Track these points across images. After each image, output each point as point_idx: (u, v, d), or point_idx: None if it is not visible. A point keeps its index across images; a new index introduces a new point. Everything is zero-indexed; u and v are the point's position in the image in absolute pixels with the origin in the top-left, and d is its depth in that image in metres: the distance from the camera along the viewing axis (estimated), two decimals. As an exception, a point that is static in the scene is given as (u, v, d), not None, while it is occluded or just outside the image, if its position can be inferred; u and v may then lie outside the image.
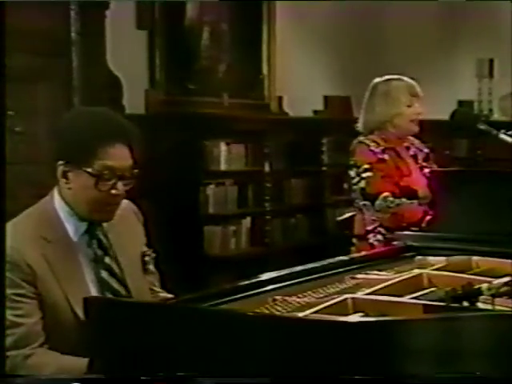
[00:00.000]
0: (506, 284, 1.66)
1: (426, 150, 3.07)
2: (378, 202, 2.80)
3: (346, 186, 5.45)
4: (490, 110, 6.31)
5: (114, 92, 4.36)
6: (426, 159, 3.04)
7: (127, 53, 4.53)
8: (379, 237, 2.86)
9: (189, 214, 4.69)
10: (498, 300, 1.59)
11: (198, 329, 1.32)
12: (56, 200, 1.83)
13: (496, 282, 1.70)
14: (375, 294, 1.67)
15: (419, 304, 1.57)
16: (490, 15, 6.11)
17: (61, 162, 1.78)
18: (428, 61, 5.93)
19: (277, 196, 5.26)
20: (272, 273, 1.79)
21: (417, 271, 1.91)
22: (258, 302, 1.63)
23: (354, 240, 2.99)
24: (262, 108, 5.48)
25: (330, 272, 1.89)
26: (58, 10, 4.17)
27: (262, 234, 5.14)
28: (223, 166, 4.94)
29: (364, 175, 2.86)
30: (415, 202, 2.77)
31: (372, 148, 2.90)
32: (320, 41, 5.85)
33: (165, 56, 4.85)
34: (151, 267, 1.97)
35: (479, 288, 1.62)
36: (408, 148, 3.03)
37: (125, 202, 1.89)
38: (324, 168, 5.58)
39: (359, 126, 3.02)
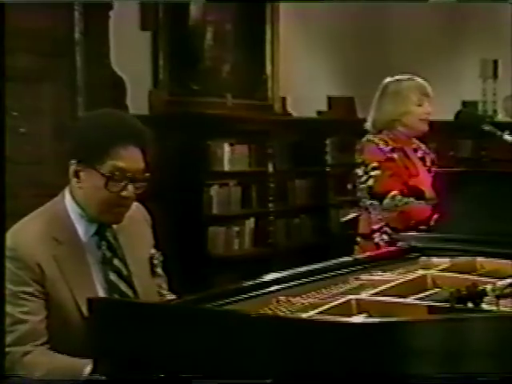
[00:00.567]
0: (510, 285, 1.66)
1: (432, 155, 3.07)
2: (386, 201, 2.79)
3: (349, 186, 5.45)
4: (495, 111, 6.30)
5: (118, 92, 4.37)
6: (432, 163, 3.03)
7: (131, 53, 4.53)
8: (384, 236, 2.85)
9: (192, 214, 4.69)
10: (502, 301, 1.58)
11: (201, 330, 1.32)
12: (67, 201, 1.83)
13: (500, 283, 1.70)
14: (379, 295, 1.66)
15: (423, 305, 1.56)
16: (493, 16, 6.10)
17: (73, 161, 1.79)
18: (432, 61, 5.93)
19: (280, 196, 5.25)
20: (276, 273, 1.79)
21: (421, 272, 1.90)
22: (261, 302, 1.62)
23: (359, 239, 2.98)
24: (265, 108, 5.48)
25: (333, 273, 1.88)
26: (62, 11, 4.18)
27: (265, 234, 5.14)
28: (227, 167, 4.94)
29: (372, 173, 2.84)
30: (423, 202, 2.77)
31: (381, 147, 2.89)
32: (323, 41, 5.85)
33: (168, 56, 4.85)
34: (159, 270, 1.97)
35: (484, 289, 1.62)
36: (416, 150, 3.02)
37: (134, 204, 1.89)
38: (328, 168, 5.58)
39: (368, 125, 3.01)
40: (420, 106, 2.92)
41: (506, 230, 2.04)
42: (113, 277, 1.83)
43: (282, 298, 1.65)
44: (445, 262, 2.03)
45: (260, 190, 5.14)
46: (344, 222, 4.02)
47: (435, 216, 2.31)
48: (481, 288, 1.61)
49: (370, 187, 2.85)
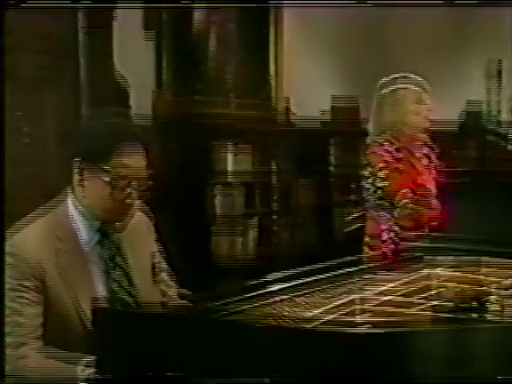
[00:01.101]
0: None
1: (437, 150, 3.06)
2: (398, 198, 2.78)
3: (353, 186, 5.44)
4: (499, 111, 6.29)
5: (122, 93, 4.37)
6: (437, 158, 3.03)
7: (135, 54, 4.53)
8: (392, 235, 2.85)
9: (196, 214, 4.69)
10: (506, 301, 1.58)
11: (205, 338, 1.32)
12: (70, 208, 1.84)
13: (505, 282, 1.69)
14: (383, 295, 1.66)
15: (427, 305, 1.56)
16: (498, 16, 6.09)
17: (77, 159, 1.80)
18: (436, 61, 5.91)
19: (284, 196, 5.25)
20: (279, 273, 1.78)
21: (425, 271, 1.90)
22: (265, 301, 1.62)
23: (367, 239, 2.98)
24: (269, 108, 5.48)
25: (337, 272, 1.88)
26: (66, 11, 4.18)
27: (268, 234, 5.14)
28: (230, 167, 4.93)
29: (380, 174, 2.84)
30: (431, 199, 2.77)
31: (386, 147, 2.89)
32: (327, 42, 5.84)
33: (172, 57, 4.85)
34: (164, 277, 1.98)
35: (488, 289, 1.61)
36: (420, 148, 3.01)
37: (137, 214, 1.92)
38: (331, 168, 5.57)
39: (369, 126, 3.01)
40: (418, 114, 2.92)
41: (510, 230, 2.03)
42: (114, 285, 1.84)
43: (285, 297, 1.65)
44: (449, 261, 2.02)
45: (263, 189, 5.14)
46: (348, 222, 4.02)
47: (446, 213, 2.31)
48: (485, 288, 1.61)
49: (379, 187, 2.84)
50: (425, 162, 2.98)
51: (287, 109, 5.62)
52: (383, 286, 1.73)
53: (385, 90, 2.99)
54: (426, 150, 3.03)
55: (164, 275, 1.99)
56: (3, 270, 1.66)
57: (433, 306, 1.54)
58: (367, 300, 1.60)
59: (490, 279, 1.75)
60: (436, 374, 1.26)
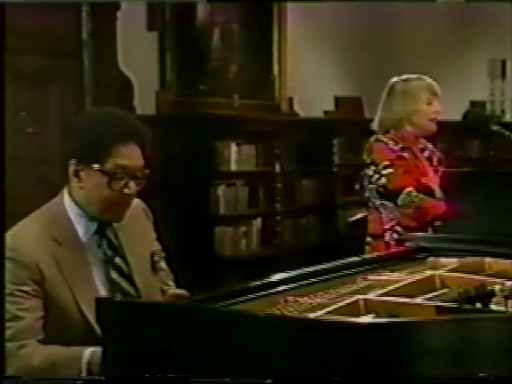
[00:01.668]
0: (519, 285, 1.65)
1: (438, 154, 3.05)
2: (402, 197, 2.77)
3: (357, 186, 5.44)
4: (503, 111, 6.28)
5: (125, 93, 4.38)
6: (439, 162, 3.02)
7: (138, 54, 4.54)
8: (395, 235, 2.84)
9: (200, 214, 4.69)
10: (510, 301, 1.58)
11: (209, 329, 1.32)
12: (66, 201, 1.83)
13: (509, 283, 1.69)
14: (387, 295, 1.66)
15: (431, 305, 1.56)
16: (502, 16, 6.08)
17: (73, 161, 1.78)
18: (440, 61, 5.91)
19: (287, 197, 5.25)
20: (283, 273, 1.78)
21: (429, 272, 1.90)
22: (269, 302, 1.62)
23: (370, 239, 2.97)
24: (272, 109, 5.48)
25: (341, 273, 1.88)
26: (70, 11, 4.19)
27: (272, 234, 5.14)
28: (234, 167, 4.93)
29: (384, 172, 2.82)
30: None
31: (390, 146, 2.88)
32: (331, 41, 5.84)
33: (175, 57, 4.85)
34: (162, 265, 1.97)
35: (492, 289, 1.61)
36: (422, 150, 3.01)
37: (135, 200, 1.89)
38: (335, 168, 5.57)
39: (374, 124, 2.99)
40: (429, 104, 2.90)
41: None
42: (115, 275, 1.82)
43: (289, 298, 1.65)
44: (453, 262, 2.02)
45: (267, 190, 5.14)
46: (351, 222, 4.01)
47: (450, 212, 2.30)
48: (489, 288, 1.61)
49: (382, 186, 2.83)
50: (427, 163, 2.98)
51: (291, 109, 5.62)
52: (387, 286, 1.73)
53: (396, 79, 2.97)
54: (427, 153, 3.02)
55: (163, 264, 1.98)
56: (3, 270, 1.66)
57: (436, 306, 1.54)
58: (371, 301, 1.60)
59: (494, 280, 1.75)
60: (438, 371, 1.26)
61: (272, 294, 1.67)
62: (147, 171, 1.81)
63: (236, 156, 4.93)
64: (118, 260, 1.84)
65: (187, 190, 4.65)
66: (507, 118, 6.30)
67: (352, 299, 1.59)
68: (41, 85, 4.14)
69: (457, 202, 2.27)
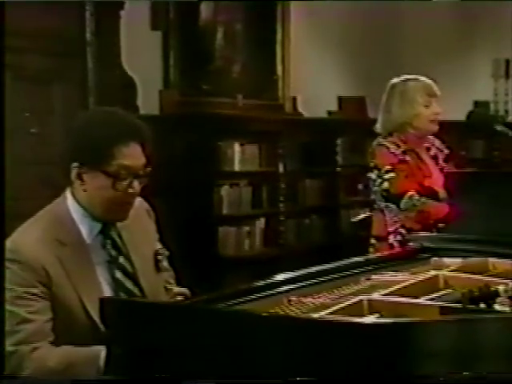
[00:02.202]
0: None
1: (446, 151, 3.05)
2: (404, 201, 2.78)
3: (360, 186, 5.44)
4: (506, 111, 6.27)
5: (129, 93, 4.38)
6: (446, 160, 3.02)
7: (142, 53, 4.54)
8: (399, 237, 2.85)
9: (203, 214, 4.69)
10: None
11: (212, 329, 1.32)
12: (69, 202, 1.83)
13: (513, 284, 1.69)
14: (391, 296, 1.65)
15: (435, 305, 1.56)
16: (506, 15, 6.07)
17: (75, 165, 1.78)
18: (444, 61, 5.90)
19: (291, 197, 5.25)
20: (287, 273, 1.78)
21: (433, 272, 1.89)
22: (272, 302, 1.62)
23: (374, 241, 2.98)
24: (276, 108, 5.48)
25: (345, 273, 1.88)
26: (73, 11, 4.19)
27: (276, 234, 5.14)
28: (237, 167, 4.93)
29: (386, 176, 2.84)
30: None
31: (392, 150, 2.89)
32: (334, 41, 5.84)
33: (179, 57, 4.86)
34: (165, 264, 1.97)
35: (496, 290, 1.61)
36: (428, 149, 3.01)
37: (137, 200, 1.89)
38: (338, 169, 5.56)
39: (378, 127, 3.00)
40: (427, 107, 2.91)
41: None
42: (119, 275, 1.83)
43: (293, 298, 1.65)
44: (457, 262, 2.02)
45: (270, 190, 5.13)
46: (355, 222, 4.01)
47: (453, 214, 2.30)
48: (493, 289, 1.60)
49: (385, 190, 2.84)
50: (432, 163, 2.98)
51: (294, 109, 5.62)
52: (390, 286, 1.73)
53: (395, 80, 2.97)
54: (433, 152, 3.02)
55: (166, 264, 1.98)
56: (3, 269, 1.65)
57: (440, 307, 1.54)
58: (374, 301, 1.60)
59: (498, 280, 1.75)
60: (442, 371, 1.26)
61: (275, 294, 1.67)
62: (149, 168, 1.81)
63: (239, 156, 4.93)
64: (122, 260, 1.84)
65: (190, 189, 4.65)
66: (511, 118, 6.29)
67: (356, 299, 1.59)
68: (44, 85, 4.15)
69: (461, 202, 2.26)
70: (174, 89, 4.84)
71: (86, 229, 1.81)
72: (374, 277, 1.88)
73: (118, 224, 1.86)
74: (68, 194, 1.84)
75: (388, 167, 2.84)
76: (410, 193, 2.78)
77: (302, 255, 4.87)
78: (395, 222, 2.87)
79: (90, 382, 1.51)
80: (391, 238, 2.88)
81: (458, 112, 5.42)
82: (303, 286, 1.73)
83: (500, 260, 2.00)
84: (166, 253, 1.97)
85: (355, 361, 1.22)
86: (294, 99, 5.60)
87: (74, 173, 1.78)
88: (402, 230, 2.85)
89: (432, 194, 2.80)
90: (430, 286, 1.78)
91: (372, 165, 2.91)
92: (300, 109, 5.64)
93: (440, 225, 2.46)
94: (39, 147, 4.07)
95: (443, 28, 6.22)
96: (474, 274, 1.87)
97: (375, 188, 2.90)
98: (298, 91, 5.57)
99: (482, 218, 2.16)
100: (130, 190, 1.78)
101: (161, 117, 4.66)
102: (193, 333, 1.33)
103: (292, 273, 1.79)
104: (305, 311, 1.58)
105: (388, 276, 1.90)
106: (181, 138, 4.60)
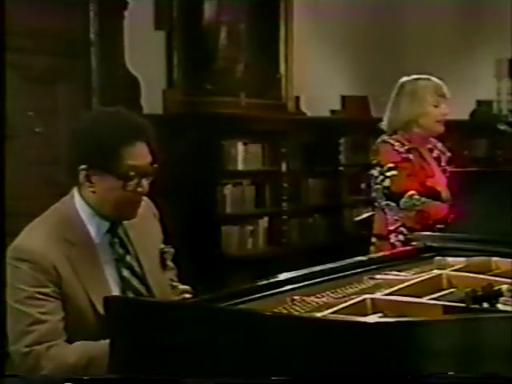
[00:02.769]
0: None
1: (448, 154, 3.05)
2: (403, 200, 2.78)
3: (363, 186, 5.44)
4: (510, 111, 6.26)
5: (133, 92, 4.39)
6: (448, 163, 3.02)
7: (145, 53, 4.55)
8: (400, 237, 2.85)
9: (206, 213, 4.70)
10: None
11: (216, 328, 1.33)
12: (77, 201, 1.83)
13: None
14: (394, 295, 1.66)
15: (439, 305, 1.56)
16: (509, 15, 6.06)
17: (83, 167, 1.77)
18: (447, 61, 5.90)
19: (294, 196, 5.25)
20: (290, 273, 1.79)
21: (436, 272, 1.90)
22: (276, 301, 1.62)
23: (375, 240, 2.98)
24: (279, 108, 5.48)
25: (348, 272, 1.88)
26: (77, 11, 4.20)
27: (279, 233, 5.14)
28: (240, 166, 4.94)
29: (388, 174, 2.83)
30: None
31: (396, 148, 2.88)
32: (337, 40, 5.84)
33: (183, 56, 4.86)
34: (169, 263, 1.98)
35: (499, 289, 1.61)
36: (431, 150, 3.01)
37: (143, 199, 1.90)
38: (341, 168, 5.57)
39: (383, 124, 3.00)
40: (436, 107, 2.90)
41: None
42: (126, 273, 1.83)
43: (296, 297, 1.66)
44: (460, 261, 2.02)
45: (274, 189, 5.14)
46: (358, 221, 4.01)
47: (452, 215, 2.30)
48: (496, 288, 1.61)
49: (386, 188, 2.83)
50: (435, 164, 2.97)
51: (298, 108, 5.62)
52: (394, 286, 1.73)
53: (405, 79, 2.97)
54: (436, 153, 3.02)
55: (170, 263, 1.99)
56: (4, 269, 1.66)
57: (444, 306, 1.54)
58: (378, 300, 1.60)
59: (501, 280, 1.75)
60: (445, 370, 1.26)
61: (279, 293, 1.67)
62: (156, 166, 1.82)
63: (243, 155, 4.93)
64: (129, 258, 1.85)
65: (194, 189, 4.65)
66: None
67: (359, 298, 1.60)
68: (48, 84, 4.16)
69: (464, 201, 2.27)
70: (178, 88, 4.84)
71: (93, 228, 1.82)
72: (377, 276, 1.88)
73: (125, 223, 1.86)
74: (75, 193, 1.84)
75: (391, 164, 2.84)
76: (410, 192, 2.78)
77: (305, 254, 4.87)
78: (396, 220, 2.86)
79: (87, 381, 1.51)
80: (392, 238, 2.88)
81: (461, 111, 5.41)
82: (306, 285, 1.74)
83: (503, 259, 2.00)
84: (172, 250, 1.98)
85: (358, 360, 1.23)
86: (297, 98, 5.60)
87: (82, 175, 1.79)
88: (403, 230, 2.84)
89: (434, 194, 2.79)
90: (433, 285, 1.78)
91: (375, 162, 2.90)
92: (303, 108, 5.64)
93: (439, 226, 2.46)
94: (43, 146, 4.08)
95: (446, 28, 6.21)
96: (478, 273, 1.88)
97: (376, 185, 2.89)
98: (301, 90, 5.58)
99: (486, 217, 2.16)
100: (139, 189, 1.79)
101: (164, 116, 4.67)
102: (197, 331, 1.33)
103: (295, 272, 1.79)
104: (308, 310, 1.58)
105: (391, 275, 1.91)
106: (184, 137, 4.60)
